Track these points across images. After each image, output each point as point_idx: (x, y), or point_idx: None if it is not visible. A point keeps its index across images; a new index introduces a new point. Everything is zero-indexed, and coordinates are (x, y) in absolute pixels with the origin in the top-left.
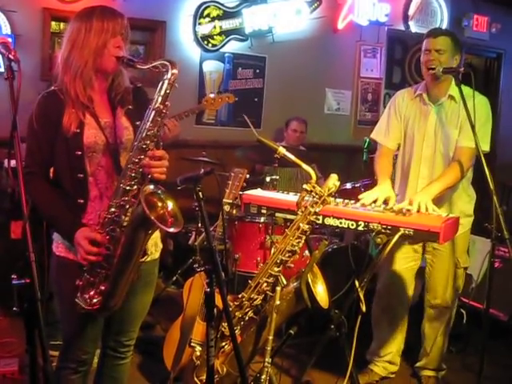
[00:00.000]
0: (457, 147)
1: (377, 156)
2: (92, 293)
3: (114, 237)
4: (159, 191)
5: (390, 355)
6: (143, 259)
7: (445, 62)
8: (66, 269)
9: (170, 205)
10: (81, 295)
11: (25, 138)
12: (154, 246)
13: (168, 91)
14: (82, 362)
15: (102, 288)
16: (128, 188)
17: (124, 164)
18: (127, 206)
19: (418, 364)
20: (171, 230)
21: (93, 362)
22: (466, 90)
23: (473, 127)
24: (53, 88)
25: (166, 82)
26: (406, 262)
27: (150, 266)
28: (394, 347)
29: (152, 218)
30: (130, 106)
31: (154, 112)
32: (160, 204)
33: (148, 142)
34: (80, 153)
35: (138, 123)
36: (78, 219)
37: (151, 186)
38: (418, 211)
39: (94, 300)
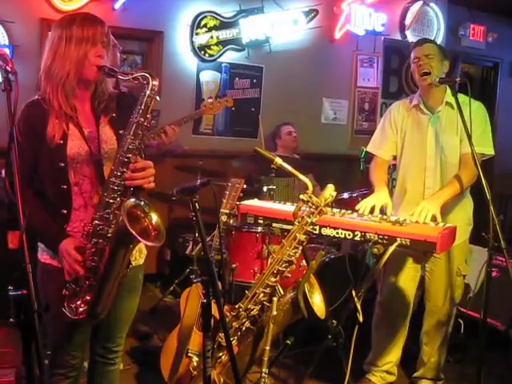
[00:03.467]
0: (461, 154)
1: (372, 167)
2: (78, 302)
3: (99, 248)
4: (142, 203)
5: (388, 365)
6: (128, 270)
7: (436, 67)
8: (51, 275)
9: (154, 218)
10: (67, 305)
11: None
12: (139, 251)
13: (149, 104)
14: (71, 368)
15: (88, 298)
16: (111, 201)
17: (107, 175)
18: (111, 218)
19: (415, 374)
20: (153, 244)
21: (82, 367)
22: (462, 97)
23: (469, 136)
24: (36, 97)
25: (147, 94)
26: (407, 271)
27: (134, 272)
28: (393, 357)
29: (134, 233)
30: (114, 114)
31: (134, 125)
32: (143, 216)
33: (130, 155)
34: (63, 164)
35: (121, 132)
36: (62, 230)
37: (133, 200)
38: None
39: (80, 309)
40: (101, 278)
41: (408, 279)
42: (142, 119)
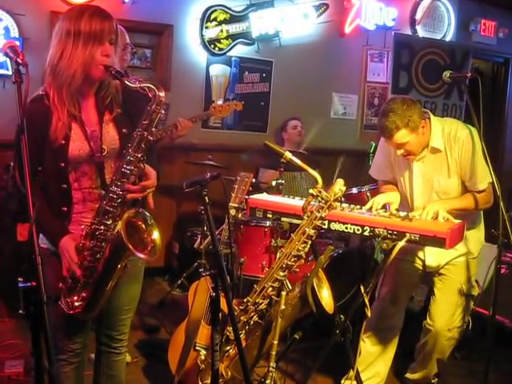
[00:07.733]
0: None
1: (379, 185)
2: (75, 298)
3: (96, 250)
4: (144, 212)
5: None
6: (125, 269)
7: (414, 145)
8: (49, 259)
9: (153, 231)
10: (63, 299)
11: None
12: None
13: (154, 118)
14: (72, 353)
15: (84, 294)
16: (110, 209)
17: (107, 174)
18: (109, 223)
19: (407, 375)
20: (146, 257)
21: (84, 355)
22: (448, 126)
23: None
24: (40, 92)
25: (152, 108)
26: (407, 278)
27: (133, 260)
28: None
29: (130, 247)
30: (119, 110)
31: (138, 138)
32: (144, 227)
33: (132, 167)
34: (64, 165)
35: (124, 131)
36: (63, 226)
37: (133, 210)
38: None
39: (76, 304)
40: (97, 278)
41: (407, 288)
42: (146, 133)
